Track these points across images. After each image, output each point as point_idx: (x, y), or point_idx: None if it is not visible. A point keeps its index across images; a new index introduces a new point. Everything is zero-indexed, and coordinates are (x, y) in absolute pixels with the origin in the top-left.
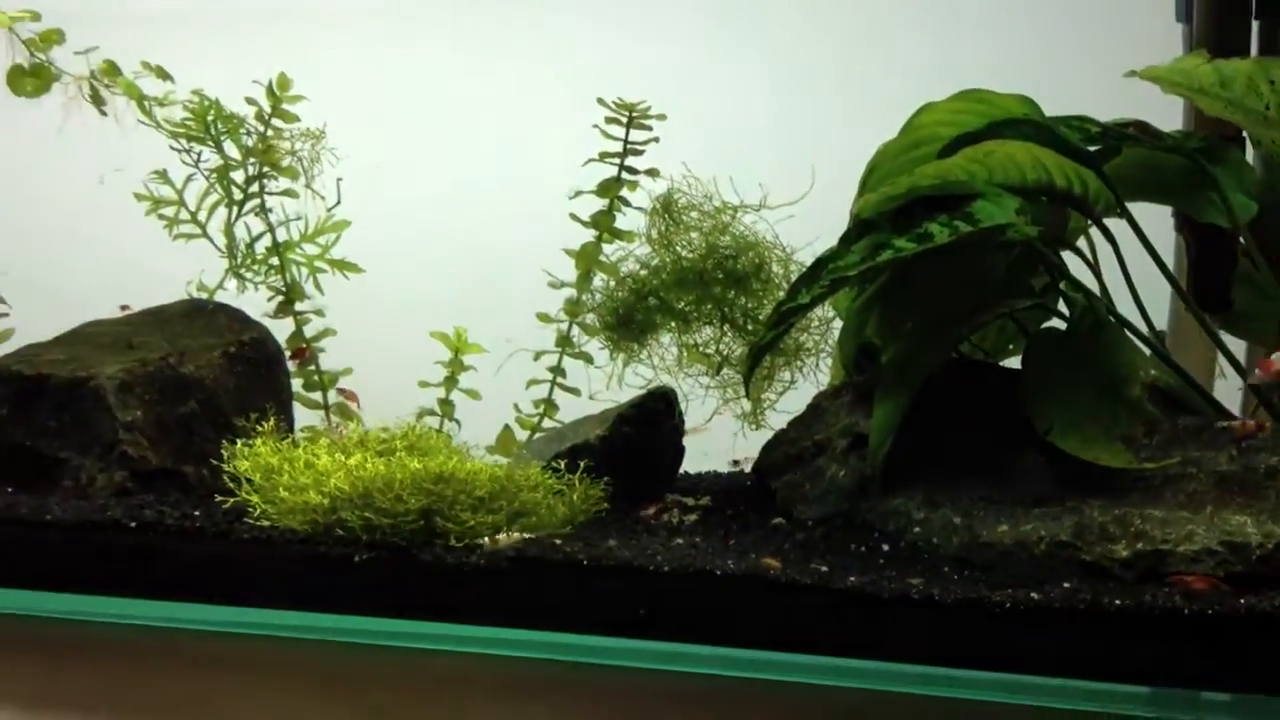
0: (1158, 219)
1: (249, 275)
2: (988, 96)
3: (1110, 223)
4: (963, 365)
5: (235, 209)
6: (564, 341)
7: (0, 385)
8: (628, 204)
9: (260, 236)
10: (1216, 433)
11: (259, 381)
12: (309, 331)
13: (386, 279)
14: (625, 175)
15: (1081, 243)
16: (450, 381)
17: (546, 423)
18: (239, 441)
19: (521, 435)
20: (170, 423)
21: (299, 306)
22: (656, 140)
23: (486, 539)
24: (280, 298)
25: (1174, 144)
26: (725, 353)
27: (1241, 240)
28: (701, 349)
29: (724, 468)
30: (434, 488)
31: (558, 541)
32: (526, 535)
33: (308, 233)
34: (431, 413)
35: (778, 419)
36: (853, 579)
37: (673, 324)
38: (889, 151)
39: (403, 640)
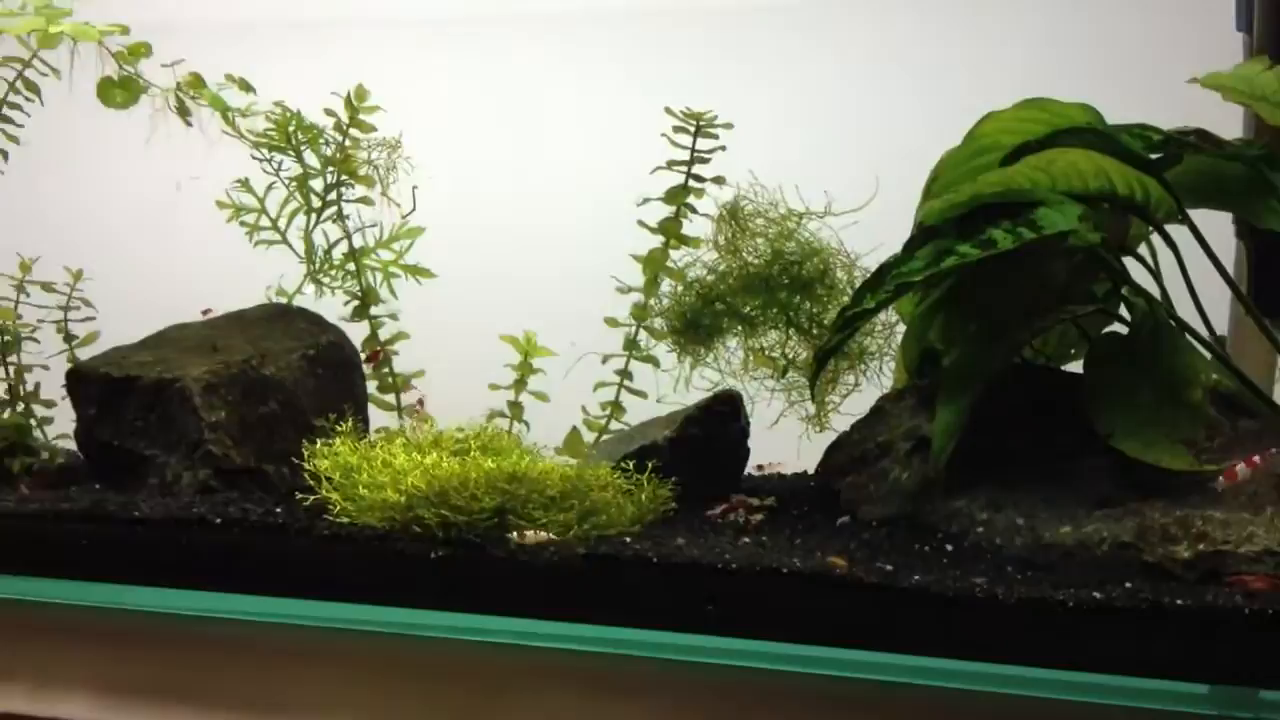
0: (1218, 225)
1: (326, 280)
2: (1050, 105)
3: (1171, 229)
4: (1024, 370)
5: (314, 216)
6: (631, 345)
7: (89, 386)
8: (694, 210)
9: (337, 243)
10: (1277, 436)
11: (336, 383)
12: (383, 335)
13: (457, 286)
14: (692, 182)
15: (1143, 249)
16: (519, 384)
17: (614, 425)
18: (318, 441)
19: (589, 437)
20: (252, 423)
21: (374, 310)
22: (723, 149)
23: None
24: (356, 302)
25: (1235, 151)
26: (790, 356)
27: None
28: (767, 352)
29: (789, 470)
30: (508, 486)
31: (627, 540)
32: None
33: (383, 239)
34: (501, 415)
35: (841, 421)
36: (917, 578)
37: (739, 328)
38: (952, 160)
39: (475, 635)
